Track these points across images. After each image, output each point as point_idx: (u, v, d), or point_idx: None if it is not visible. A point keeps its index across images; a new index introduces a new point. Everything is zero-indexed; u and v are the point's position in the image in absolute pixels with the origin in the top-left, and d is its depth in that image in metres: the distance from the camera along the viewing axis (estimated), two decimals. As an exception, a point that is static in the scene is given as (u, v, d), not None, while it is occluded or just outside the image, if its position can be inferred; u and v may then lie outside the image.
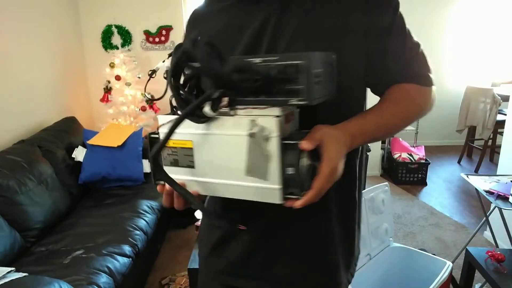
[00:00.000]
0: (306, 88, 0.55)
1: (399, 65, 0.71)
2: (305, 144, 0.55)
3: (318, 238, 0.74)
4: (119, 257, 1.75)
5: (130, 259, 1.81)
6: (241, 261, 0.78)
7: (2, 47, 2.21)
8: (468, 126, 4.19)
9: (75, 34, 3.16)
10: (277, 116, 0.55)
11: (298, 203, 0.56)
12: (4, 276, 1.37)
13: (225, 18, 0.74)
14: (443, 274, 1.49)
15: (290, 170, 0.56)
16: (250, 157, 0.57)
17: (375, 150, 3.75)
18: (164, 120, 0.63)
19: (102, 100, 3.24)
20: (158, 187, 0.65)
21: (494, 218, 2.12)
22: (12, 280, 1.34)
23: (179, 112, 0.60)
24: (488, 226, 2.21)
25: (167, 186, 0.62)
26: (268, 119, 0.55)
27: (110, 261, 1.69)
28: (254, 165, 0.57)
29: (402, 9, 0.75)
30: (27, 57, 2.46)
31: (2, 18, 2.22)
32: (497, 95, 3.75)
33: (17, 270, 1.47)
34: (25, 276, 1.40)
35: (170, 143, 0.62)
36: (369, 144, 2.90)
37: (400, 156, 3.70)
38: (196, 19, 0.81)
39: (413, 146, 3.87)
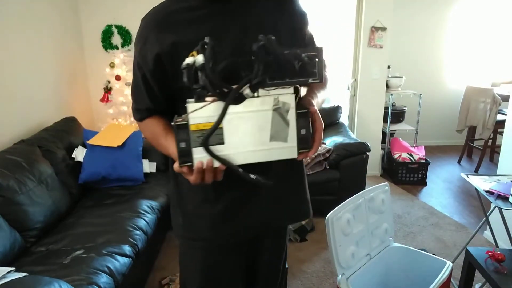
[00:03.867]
0: (319, 71, 0.74)
1: None
2: (314, 109, 0.81)
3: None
4: (119, 257, 1.75)
5: (130, 259, 1.81)
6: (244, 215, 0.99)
7: (1, 47, 2.21)
8: (468, 126, 4.19)
9: (75, 34, 3.16)
10: (293, 94, 0.76)
11: (311, 153, 0.81)
12: (4, 276, 1.37)
13: (205, 26, 0.86)
14: (443, 274, 1.49)
15: (303, 131, 0.78)
16: (273, 126, 0.77)
17: (375, 150, 3.75)
18: (194, 107, 0.72)
19: (102, 100, 3.24)
20: (184, 169, 0.76)
21: (494, 218, 2.12)
22: (12, 280, 1.34)
23: (207, 98, 0.73)
24: (488, 226, 2.21)
25: (198, 164, 0.74)
26: (287, 96, 0.76)
27: (110, 261, 1.69)
28: (277, 132, 0.77)
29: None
30: (27, 57, 2.46)
31: (1, 18, 2.22)
32: (497, 95, 3.76)
33: (17, 270, 1.47)
34: (25, 276, 1.40)
35: (200, 126, 0.73)
36: (369, 144, 2.92)
37: (400, 156, 3.70)
38: (165, 24, 0.87)
39: (413, 146, 3.87)
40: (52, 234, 1.96)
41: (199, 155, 0.74)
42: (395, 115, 4.04)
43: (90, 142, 2.51)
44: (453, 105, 4.74)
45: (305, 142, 0.79)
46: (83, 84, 3.31)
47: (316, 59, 0.73)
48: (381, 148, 3.98)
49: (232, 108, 0.71)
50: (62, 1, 2.94)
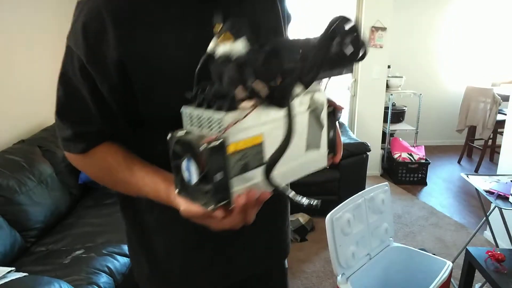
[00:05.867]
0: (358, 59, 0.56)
1: None
2: (341, 107, 0.67)
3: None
4: (119, 257, 1.75)
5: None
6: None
7: (2, 47, 2.21)
8: (468, 126, 4.19)
9: (75, 34, 3.16)
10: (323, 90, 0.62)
11: (337, 159, 0.69)
12: (4, 276, 1.37)
13: (187, 29, 0.61)
14: (443, 274, 1.49)
15: (331, 133, 0.66)
16: (310, 132, 0.61)
17: (375, 150, 3.75)
18: (233, 117, 0.49)
19: (102, 100, 3.24)
20: (219, 212, 0.51)
21: (494, 218, 2.12)
22: (12, 280, 1.34)
23: (243, 104, 0.51)
24: (488, 226, 2.21)
25: (240, 200, 0.51)
26: (321, 93, 0.61)
27: (110, 261, 1.69)
28: (312, 138, 0.62)
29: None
30: (27, 57, 2.46)
31: (2, 18, 2.22)
32: (497, 95, 3.76)
33: (17, 270, 1.47)
34: (25, 276, 1.40)
35: (239, 146, 0.51)
36: (369, 144, 2.92)
37: (400, 156, 3.70)
38: (131, 19, 0.58)
39: (413, 146, 3.87)
40: (52, 234, 1.96)
41: (238, 187, 0.52)
42: (395, 115, 4.04)
43: (90, 142, 2.51)
44: (453, 105, 4.74)
45: (332, 145, 0.66)
46: (83, 84, 3.30)
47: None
48: (381, 148, 3.98)
49: (268, 115, 0.54)
50: (62, 1, 2.94)
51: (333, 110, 0.66)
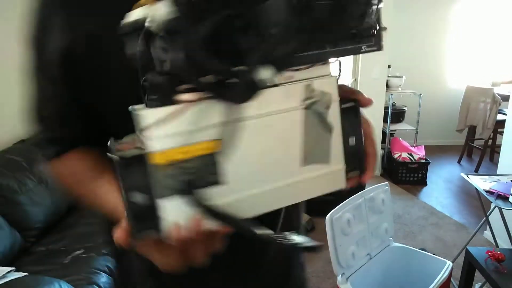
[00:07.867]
0: (378, 30, 0.38)
1: None
2: (368, 101, 0.47)
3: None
4: (119, 257, 1.75)
5: (130, 259, 1.81)
6: None
7: (2, 47, 2.21)
8: (468, 126, 4.19)
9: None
10: (333, 76, 0.42)
11: (367, 178, 0.47)
12: (4, 276, 1.37)
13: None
14: (443, 274, 1.49)
15: (352, 141, 0.45)
16: (308, 138, 0.41)
17: (375, 150, 3.75)
18: (154, 115, 0.35)
19: (102, 100, 3.24)
20: (144, 242, 0.39)
21: (494, 218, 2.12)
22: (12, 280, 1.34)
23: (183, 97, 0.36)
24: (488, 226, 2.21)
25: (174, 231, 0.37)
26: (326, 80, 0.41)
27: (110, 260, 1.70)
28: (314, 147, 0.42)
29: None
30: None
31: (2, 16, 2.22)
32: (497, 95, 3.76)
33: (17, 270, 1.47)
34: (25, 276, 1.40)
35: (172, 155, 0.36)
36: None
37: (400, 156, 3.70)
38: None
39: (413, 146, 3.86)
40: (52, 234, 1.96)
41: (174, 213, 0.37)
42: (395, 115, 4.04)
43: (90, 142, 2.51)
44: (453, 105, 4.73)
45: (356, 158, 0.46)
46: (83, 84, 3.31)
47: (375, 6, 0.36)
48: (381, 148, 3.98)
49: (235, 111, 0.37)
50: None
51: (355, 105, 0.45)
